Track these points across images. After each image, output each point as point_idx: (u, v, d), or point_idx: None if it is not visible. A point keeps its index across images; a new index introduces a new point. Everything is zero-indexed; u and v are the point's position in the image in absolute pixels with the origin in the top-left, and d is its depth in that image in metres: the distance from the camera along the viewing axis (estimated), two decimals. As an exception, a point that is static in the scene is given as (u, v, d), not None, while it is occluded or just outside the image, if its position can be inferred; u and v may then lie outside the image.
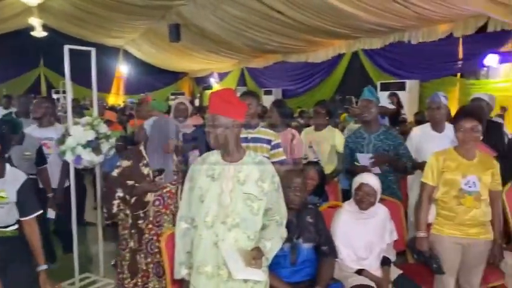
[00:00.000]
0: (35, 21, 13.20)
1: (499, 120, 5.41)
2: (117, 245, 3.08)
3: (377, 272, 2.81)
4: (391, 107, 7.00)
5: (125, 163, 2.89)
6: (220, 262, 2.09)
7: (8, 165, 2.70)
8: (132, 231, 2.92)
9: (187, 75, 20.41)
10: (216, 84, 17.62)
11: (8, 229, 2.68)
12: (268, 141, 3.25)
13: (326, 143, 4.18)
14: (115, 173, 2.88)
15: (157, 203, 2.96)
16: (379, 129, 3.56)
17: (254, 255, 2.06)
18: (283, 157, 3.32)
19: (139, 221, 2.91)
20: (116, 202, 2.84)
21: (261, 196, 2.15)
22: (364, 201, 2.84)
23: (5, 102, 8.19)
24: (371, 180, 2.89)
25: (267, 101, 12.86)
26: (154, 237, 2.92)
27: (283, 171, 2.81)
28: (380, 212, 2.93)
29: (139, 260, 2.92)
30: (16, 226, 2.71)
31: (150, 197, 2.92)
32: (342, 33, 10.43)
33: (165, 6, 11.75)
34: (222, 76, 17.84)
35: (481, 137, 2.72)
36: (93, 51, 3.81)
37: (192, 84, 20.66)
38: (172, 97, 17.11)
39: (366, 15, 8.67)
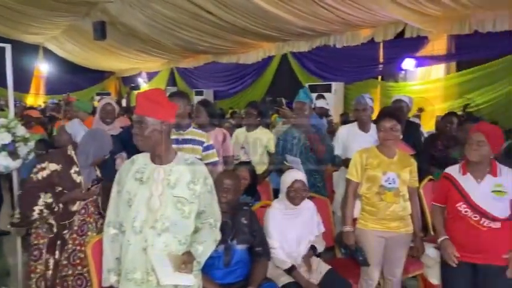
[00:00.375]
0: None
1: (417, 120, 5.84)
2: (28, 256, 2.82)
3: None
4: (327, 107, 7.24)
5: (53, 166, 2.67)
6: (150, 268, 2.03)
7: None
8: (58, 242, 2.73)
9: (113, 75, 19.63)
10: (144, 84, 17.13)
11: None
12: (201, 143, 3.22)
13: (258, 144, 4.23)
14: (39, 175, 2.65)
15: (82, 211, 2.81)
16: (308, 129, 3.70)
17: (184, 260, 2.02)
18: (217, 158, 3.31)
19: (64, 231, 2.74)
20: (37, 208, 2.62)
21: (193, 199, 2.11)
22: (298, 196, 2.95)
23: None
24: (301, 176, 3.03)
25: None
26: (78, 248, 2.75)
27: (217, 172, 2.80)
28: (307, 206, 3.07)
29: (60, 272, 2.73)
30: None
31: (77, 206, 2.77)
32: (271, 35, 10.64)
33: (89, 3, 11.21)
34: (151, 76, 17.40)
35: (401, 136, 2.90)
36: (8, 48, 3.54)
37: (119, 84, 19.91)
38: (98, 97, 16.37)
39: (294, 18, 8.91)
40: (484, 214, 2.45)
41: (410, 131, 4.09)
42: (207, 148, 3.24)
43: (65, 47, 16.36)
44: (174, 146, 2.76)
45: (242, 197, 3.42)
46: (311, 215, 3.08)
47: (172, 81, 16.11)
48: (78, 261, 2.75)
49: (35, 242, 2.75)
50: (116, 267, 2.17)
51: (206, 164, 3.04)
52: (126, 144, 3.83)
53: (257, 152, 4.19)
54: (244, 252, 2.72)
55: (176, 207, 2.07)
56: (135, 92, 15.85)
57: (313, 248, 3.03)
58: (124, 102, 15.91)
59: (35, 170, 2.68)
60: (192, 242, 2.12)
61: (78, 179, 2.74)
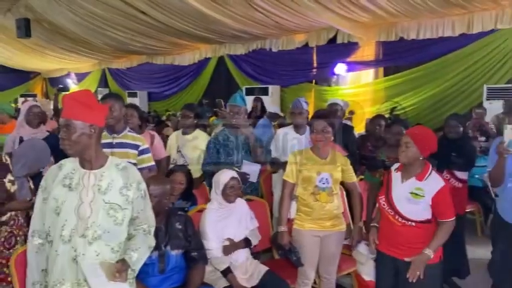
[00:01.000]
0: None
1: (349, 123, 6.08)
2: None
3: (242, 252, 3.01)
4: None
5: None
6: (81, 279, 1.93)
7: None
8: None
9: (39, 75, 18.48)
10: (74, 86, 16.31)
11: None
12: (136, 146, 3.12)
13: (194, 147, 4.16)
14: None
15: (11, 222, 2.61)
16: (246, 132, 3.71)
17: (118, 268, 1.93)
18: (152, 163, 3.23)
19: None
20: None
21: (126, 205, 2.03)
22: (234, 194, 3.02)
23: None
24: (234, 173, 3.09)
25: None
26: (3, 261, 2.57)
27: (154, 177, 2.73)
28: (239, 203, 3.14)
29: None
30: None
31: (6, 217, 2.56)
32: (208, 37, 10.56)
33: (11, -2, 10.48)
34: (81, 77, 16.60)
35: (332, 138, 2.99)
36: None
37: (46, 85, 18.79)
38: (22, 99, 15.33)
39: (230, 21, 8.92)
40: (397, 212, 2.56)
41: (345, 133, 4.26)
42: (142, 152, 3.15)
43: (-17, 44, 15.14)
44: (107, 150, 2.66)
45: (178, 201, 3.36)
46: (245, 211, 3.16)
47: (104, 82, 15.48)
48: (2, 276, 2.54)
49: None
50: (41, 279, 2.03)
51: (142, 169, 2.97)
52: (54, 149, 3.63)
53: (194, 155, 4.12)
54: (180, 258, 2.67)
55: (108, 214, 1.99)
56: (63, 93, 15.09)
57: (247, 240, 3.07)
58: (51, 105, 15.05)
59: None
60: (125, 249, 2.04)
61: (12, 188, 2.54)
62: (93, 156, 2.02)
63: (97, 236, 1.96)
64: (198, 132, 4.27)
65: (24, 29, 11.14)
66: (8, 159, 2.59)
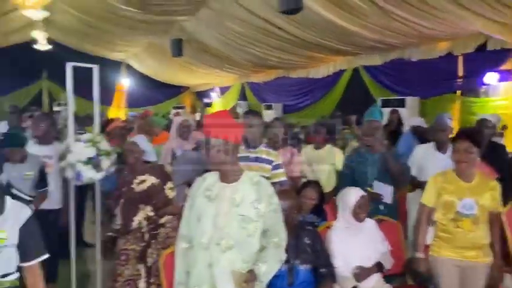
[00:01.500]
0: (39, 35, 13.27)
1: (501, 141, 5.41)
2: (116, 260, 3.05)
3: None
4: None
5: (152, 180, 2.93)
6: (215, 284, 2.10)
7: (8, 199, 2.16)
8: (149, 250, 2.93)
9: (188, 90, 20.51)
10: (217, 99, 17.70)
11: (6, 279, 2.08)
12: (269, 162, 3.27)
13: (325, 162, 4.19)
14: (140, 187, 2.90)
15: (168, 225, 2.98)
16: (381, 149, 3.57)
17: (246, 278, 2.05)
18: (284, 178, 3.34)
19: (153, 241, 2.94)
20: (136, 219, 2.87)
21: (257, 218, 2.15)
22: (364, 212, 2.92)
23: (14, 118, 7.06)
24: (362, 192, 3.01)
25: (267, 115, 12.92)
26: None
27: (282, 192, 2.82)
28: (369, 224, 3.01)
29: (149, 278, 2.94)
30: (17, 275, 2.13)
31: (165, 219, 2.97)
32: (343, 49, 10.51)
33: (168, 22, 11.87)
34: (223, 90, 17.91)
35: (477, 159, 2.72)
36: (96, 69, 3.83)
37: (194, 98, 20.74)
38: (174, 111, 17.24)
39: (367, 32, 8.74)
40: None
41: (495, 153, 3.83)
42: (275, 167, 3.28)
43: (145, 63, 17.42)
44: (243, 163, 2.85)
45: (309, 216, 3.41)
46: (374, 232, 3.02)
47: (243, 95, 16.47)
48: (157, 272, 2.91)
49: (124, 247, 2.95)
50: (185, 281, 2.25)
51: (274, 183, 3.10)
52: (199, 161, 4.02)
53: (325, 171, 4.14)
54: (308, 273, 2.69)
55: (241, 226, 2.13)
56: (208, 108, 16.53)
57: (379, 265, 2.94)
58: (198, 117, 16.60)
59: (136, 181, 2.91)
60: (256, 261, 2.16)
61: (171, 194, 2.93)
62: (230, 170, 2.20)
63: (230, 246, 2.11)
64: (329, 148, 4.28)
65: (178, 48, 12.54)
66: (169, 168, 2.98)
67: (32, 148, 3.94)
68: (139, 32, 13.05)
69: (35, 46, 13.77)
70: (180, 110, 18.47)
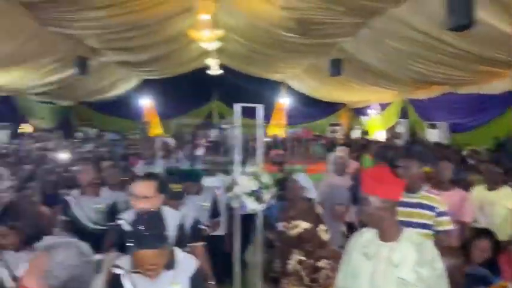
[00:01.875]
0: (212, 62, 15.04)
1: None
2: None
3: None
4: None
5: (304, 225, 3.02)
6: None
7: (178, 252, 2.28)
8: None
9: (345, 106, 20.42)
10: (376, 115, 17.22)
11: None
12: (431, 208, 3.06)
13: (501, 205, 3.71)
14: (292, 232, 3.02)
15: (328, 267, 3.04)
16: None
17: None
18: (450, 227, 3.08)
19: (314, 284, 3.03)
20: (291, 262, 2.98)
21: (418, 283, 2.05)
22: None
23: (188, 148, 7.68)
24: None
25: (430, 135, 12.04)
26: None
27: (446, 249, 2.61)
28: None
29: None
30: None
31: (324, 263, 3.03)
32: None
33: (330, 44, 12.10)
34: (382, 107, 17.33)
35: None
36: (260, 108, 4.12)
37: (350, 114, 20.55)
38: (331, 128, 17.31)
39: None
40: None
41: None
42: (440, 214, 3.05)
43: (303, 82, 17.99)
44: (403, 208, 2.74)
45: (478, 269, 3.08)
46: None
47: (404, 112, 15.66)
48: None
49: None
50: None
51: (437, 232, 2.90)
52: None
53: (499, 215, 3.68)
54: None
55: None
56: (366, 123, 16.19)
57: None
58: (354, 133, 16.41)
59: (290, 225, 3.06)
60: None
61: (325, 237, 2.99)
62: (388, 228, 2.14)
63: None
64: (506, 190, 3.78)
65: (336, 68, 12.71)
66: (320, 209, 3.03)
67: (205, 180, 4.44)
68: (301, 55, 13.60)
69: (208, 71, 15.60)
70: (336, 127, 18.53)
